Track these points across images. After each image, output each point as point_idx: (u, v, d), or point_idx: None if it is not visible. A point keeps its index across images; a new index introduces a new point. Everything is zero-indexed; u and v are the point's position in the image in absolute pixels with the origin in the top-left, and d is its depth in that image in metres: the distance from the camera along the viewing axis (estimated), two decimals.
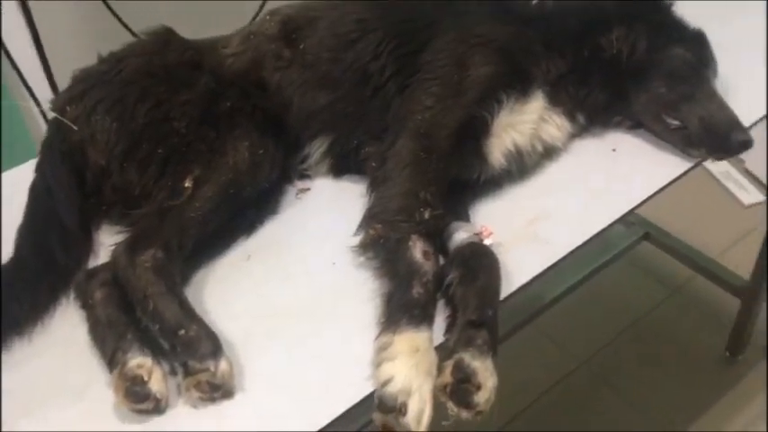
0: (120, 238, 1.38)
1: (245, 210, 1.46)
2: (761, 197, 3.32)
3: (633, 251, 2.87)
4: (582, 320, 2.88)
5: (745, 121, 1.55)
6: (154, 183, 1.42)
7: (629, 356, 2.78)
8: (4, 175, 1.61)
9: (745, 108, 1.57)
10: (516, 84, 1.49)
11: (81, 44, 2.49)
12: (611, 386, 2.68)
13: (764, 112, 1.63)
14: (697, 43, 1.59)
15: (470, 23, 1.56)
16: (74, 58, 1.63)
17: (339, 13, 1.63)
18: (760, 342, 2.73)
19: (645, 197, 1.48)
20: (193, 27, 1.85)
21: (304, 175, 1.61)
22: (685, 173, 1.53)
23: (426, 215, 1.34)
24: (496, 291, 1.28)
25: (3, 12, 2.07)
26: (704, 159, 1.55)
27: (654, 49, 1.55)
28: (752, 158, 3.36)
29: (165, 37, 1.63)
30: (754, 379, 2.66)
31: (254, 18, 2.25)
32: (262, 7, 2.27)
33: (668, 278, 3.00)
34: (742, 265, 2.66)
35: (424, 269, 1.28)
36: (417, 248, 1.30)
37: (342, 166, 1.59)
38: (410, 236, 1.31)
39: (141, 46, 1.60)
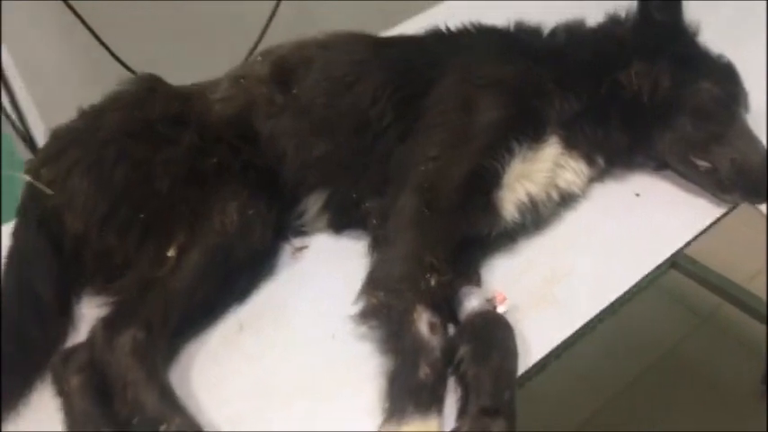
0: (101, 311, 1.28)
1: (236, 275, 1.34)
2: None
3: (660, 280, 2.71)
4: (608, 354, 2.73)
5: None
6: (135, 250, 1.31)
7: (659, 390, 2.62)
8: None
9: None
10: (528, 129, 1.35)
11: (76, 84, 2.42)
12: (640, 423, 2.52)
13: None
14: (726, 76, 1.45)
15: (475, 62, 1.43)
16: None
17: (334, 54, 1.51)
18: None
19: (673, 251, 1.35)
20: (189, 60, 1.76)
21: (301, 232, 1.48)
22: (717, 220, 1.39)
23: (432, 282, 1.21)
24: (513, 370, 1.15)
25: None
26: (737, 204, 1.40)
27: (679, 85, 1.41)
28: None
29: (150, 85, 1.52)
30: None
31: (249, 54, 2.15)
32: (258, 42, 2.16)
33: (697, 307, 2.84)
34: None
35: (431, 345, 1.15)
36: (423, 321, 1.17)
37: (342, 222, 1.46)
38: (415, 306, 1.18)
39: (123, 97, 1.48)
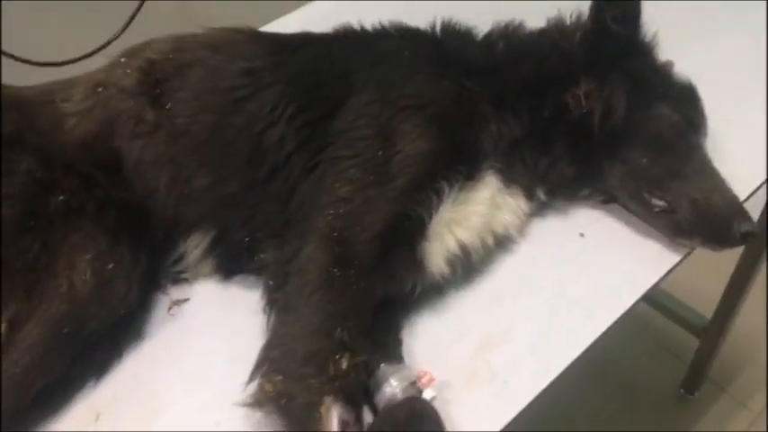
0: None
1: (90, 350, 1.05)
2: None
3: None
4: None
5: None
6: None
7: (580, 392, 2.52)
8: None
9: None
10: (460, 164, 1.11)
11: None
12: (561, 423, 2.41)
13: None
14: (686, 101, 1.24)
15: (397, 77, 1.17)
16: None
17: (222, 58, 1.21)
18: (717, 378, 2.53)
19: (623, 310, 1.15)
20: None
21: (179, 280, 1.20)
22: (674, 267, 1.20)
23: (344, 365, 0.97)
24: None
25: None
26: (694, 249, 1.22)
27: (634, 109, 1.19)
28: None
29: None
30: (712, 418, 2.47)
31: (120, 33, 1.78)
32: (132, 18, 1.78)
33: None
34: (698, 291, 2.40)
35: None
36: (333, 418, 0.94)
37: (231, 267, 1.20)
38: (322, 398, 0.95)
39: None
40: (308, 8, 1.76)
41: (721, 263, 2.51)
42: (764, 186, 1.33)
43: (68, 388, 1.06)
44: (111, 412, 1.04)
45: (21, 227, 1.03)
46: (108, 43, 1.76)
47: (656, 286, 1.19)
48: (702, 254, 1.26)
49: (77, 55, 1.74)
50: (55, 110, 1.19)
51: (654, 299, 2.49)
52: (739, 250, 2.11)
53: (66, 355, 1.02)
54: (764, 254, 2.01)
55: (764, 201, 1.80)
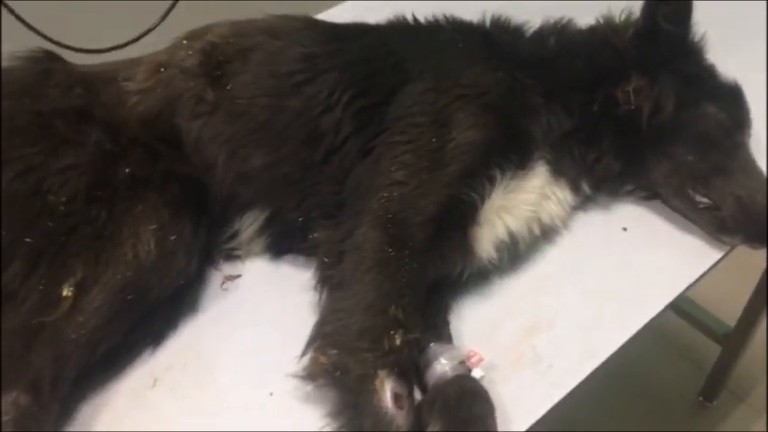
0: None
1: (150, 318, 1.09)
2: None
3: None
4: None
5: None
6: (20, 283, 1.04)
7: (598, 397, 2.52)
8: None
9: None
10: (513, 154, 1.14)
11: None
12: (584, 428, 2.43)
13: None
14: (733, 101, 1.27)
15: (452, 67, 1.20)
16: None
17: (281, 44, 1.25)
18: (735, 388, 2.52)
19: (667, 300, 1.18)
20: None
21: (232, 256, 1.23)
22: (716, 264, 1.23)
23: (398, 341, 0.99)
24: None
25: None
26: (735, 246, 1.24)
27: (682, 107, 1.22)
28: None
29: (46, 66, 1.22)
30: (729, 427, 2.46)
31: (162, 18, 1.81)
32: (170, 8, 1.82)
33: None
34: (721, 299, 2.41)
35: (397, 423, 0.94)
36: (386, 390, 0.96)
37: (282, 247, 1.23)
38: (377, 371, 0.97)
39: (10, 81, 1.18)
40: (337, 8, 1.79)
41: (745, 271, 2.54)
42: None
43: (128, 354, 1.09)
44: (167, 379, 1.08)
45: (89, 195, 1.07)
46: (148, 31, 1.79)
47: (697, 281, 1.21)
48: (727, 262, 1.27)
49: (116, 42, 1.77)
50: (118, 88, 1.23)
51: (676, 305, 2.50)
52: (764, 258, 2.13)
53: (129, 321, 1.05)
54: None
55: None
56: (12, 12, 1.56)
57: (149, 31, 1.79)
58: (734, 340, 2.33)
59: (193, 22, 1.35)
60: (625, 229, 1.28)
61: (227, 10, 1.37)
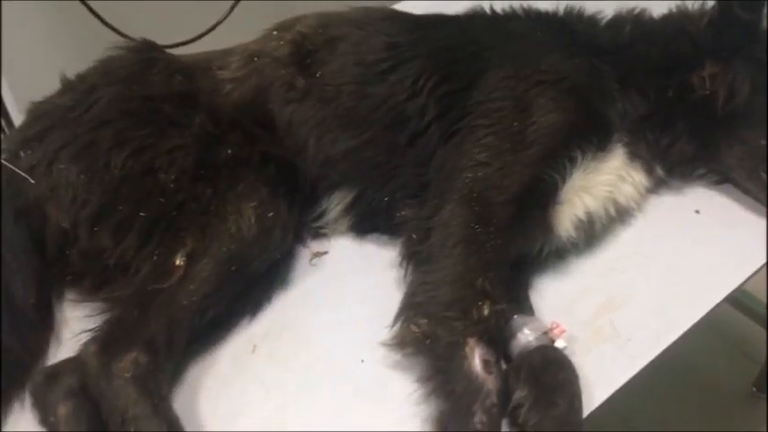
0: (90, 321, 1.10)
1: (251, 288, 1.17)
2: None
3: None
4: None
5: None
6: (134, 253, 1.13)
7: (651, 390, 2.54)
8: None
9: None
10: (593, 136, 1.19)
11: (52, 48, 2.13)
12: (631, 423, 2.45)
13: None
14: None
15: (531, 54, 1.26)
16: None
17: (365, 34, 1.32)
18: None
19: (741, 280, 1.21)
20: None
21: (319, 234, 1.31)
22: None
23: (485, 311, 1.05)
24: (579, 418, 1.01)
25: None
26: None
27: (756, 91, 1.26)
28: None
29: (147, 55, 1.31)
30: None
31: (226, 16, 1.89)
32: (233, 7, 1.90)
33: None
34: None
35: (487, 387, 1.00)
36: (476, 356, 1.02)
37: (367, 226, 1.30)
38: (466, 339, 1.03)
39: (117, 69, 1.27)
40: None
41: None
42: None
43: (229, 323, 1.17)
44: (265, 346, 1.16)
45: (195, 174, 1.15)
46: (216, 26, 1.87)
47: None
48: None
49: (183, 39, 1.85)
50: (213, 76, 1.32)
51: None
52: None
53: (233, 290, 1.13)
54: None
55: None
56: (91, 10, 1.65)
57: (216, 25, 1.88)
58: None
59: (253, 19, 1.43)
60: (698, 211, 1.32)
61: (283, 8, 1.44)
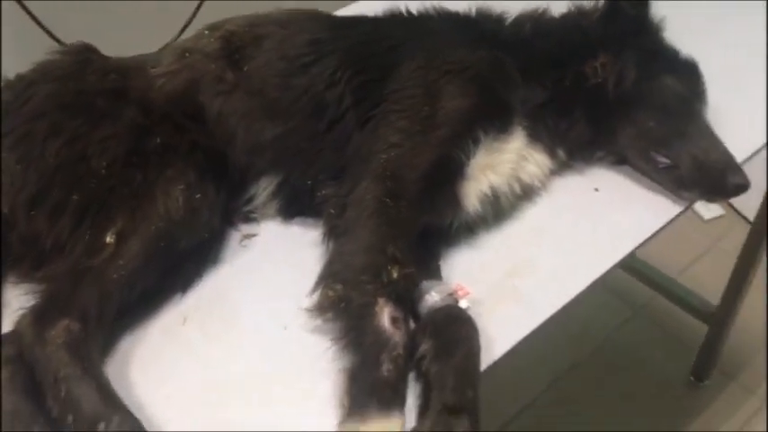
0: (28, 300, 1.16)
1: (180, 264, 1.25)
2: (720, 211, 3.25)
3: None
4: (541, 345, 2.74)
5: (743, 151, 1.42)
6: (68, 234, 1.20)
7: (591, 381, 2.66)
8: None
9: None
10: (494, 119, 1.31)
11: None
12: (572, 412, 2.55)
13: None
14: (689, 74, 1.44)
15: (440, 47, 1.38)
16: None
17: (289, 32, 1.42)
18: (726, 367, 2.65)
19: (631, 248, 1.33)
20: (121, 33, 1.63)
21: (249, 219, 1.40)
22: (675, 217, 1.39)
23: (395, 274, 1.15)
24: (476, 367, 1.11)
25: None
26: (694, 202, 1.41)
27: (643, 79, 1.39)
28: None
29: (84, 56, 1.40)
30: (721, 405, 2.58)
31: (185, 26, 2.01)
32: (195, 13, 2.02)
33: (631, 298, 2.89)
34: (704, 281, 2.58)
35: (394, 340, 1.10)
36: (385, 314, 1.12)
37: (293, 209, 1.39)
38: (377, 299, 1.13)
39: (54, 68, 1.36)
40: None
41: (727, 251, 2.68)
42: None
43: (160, 298, 1.24)
44: (196, 317, 1.23)
45: (126, 161, 1.23)
46: (183, 30, 1.97)
47: (660, 231, 1.36)
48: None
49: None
50: (146, 74, 1.40)
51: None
52: (742, 239, 2.28)
53: (161, 266, 1.21)
54: (764, 242, 2.16)
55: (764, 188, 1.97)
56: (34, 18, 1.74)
57: (184, 29, 1.98)
58: (719, 319, 2.47)
59: None
60: (597, 189, 1.44)
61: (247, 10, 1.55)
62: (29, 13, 1.99)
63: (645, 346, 2.78)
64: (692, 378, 2.66)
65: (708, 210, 3.26)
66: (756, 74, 1.67)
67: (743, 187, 1.33)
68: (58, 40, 1.94)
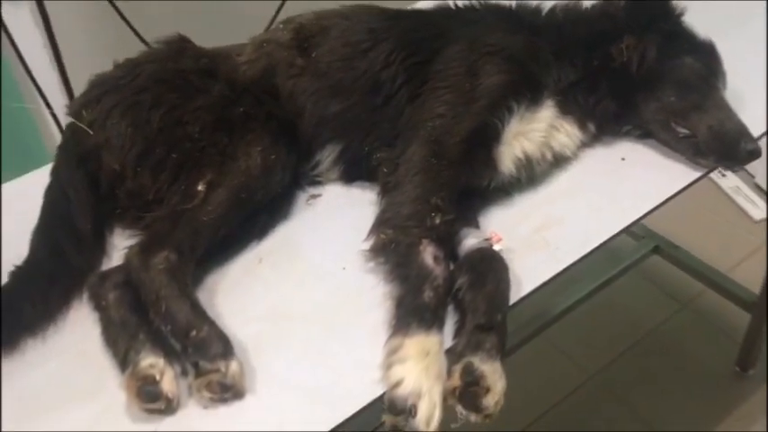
0: (133, 241, 1.40)
1: (257, 214, 1.47)
2: None
3: (643, 264, 2.86)
4: (591, 333, 2.87)
5: (754, 132, 1.56)
6: (167, 187, 1.44)
7: (638, 370, 2.76)
8: (12, 182, 1.65)
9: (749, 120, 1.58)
10: (527, 92, 1.50)
11: (95, 50, 2.53)
12: (619, 400, 2.66)
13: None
14: (707, 53, 1.60)
15: (480, 33, 1.58)
16: (88, 64, 1.65)
17: (350, 23, 1.65)
18: None
19: (653, 206, 1.48)
20: (208, 35, 1.88)
21: (315, 182, 1.62)
22: (694, 182, 1.54)
23: (437, 220, 1.35)
24: (505, 295, 1.29)
25: (19, 15, 2.09)
26: (713, 169, 1.56)
27: (664, 59, 1.56)
28: (761, 174, 3.37)
29: (180, 45, 1.65)
30: (765, 394, 2.63)
31: (269, 25, 2.28)
32: (278, 12, 2.29)
33: (678, 292, 2.99)
34: (752, 279, 2.65)
35: (435, 273, 1.29)
36: (428, 253, 1.31)
37: (352, 173, 1.60)
38: (421, 240, 1.32)
39: (156, 53, 1.62)
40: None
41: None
42: None
43: (239, 243, 1.46)
44: (269, 258, 1.44)
45: (215, 126, 1.47)
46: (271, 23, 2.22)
47: (680, 192, 1.51)
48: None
49: None
50: (232, 60, 1.65)
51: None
52: None
53: (242, 213, 1.43)
54: None
55: None
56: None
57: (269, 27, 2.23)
58: (761, 307, 2.54)
59: None
60: (623, 159, 1.60)
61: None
62: (122, 16, 2.29)
63: (691, 338, 2.86)
64: (737, 368, 2.72)
65: (758, 210, 3.32)
66: (756, 74, 1.80)
67: (756, 153, 1.48)
68: (146, 44, 2.24)
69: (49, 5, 2.23)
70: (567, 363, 2.80)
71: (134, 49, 1.67)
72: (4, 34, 2.17)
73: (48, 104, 2.25)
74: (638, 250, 2.80)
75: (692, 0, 1.64)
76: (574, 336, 2.81)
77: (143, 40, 2.29)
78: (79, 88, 1.64)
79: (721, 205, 3.40)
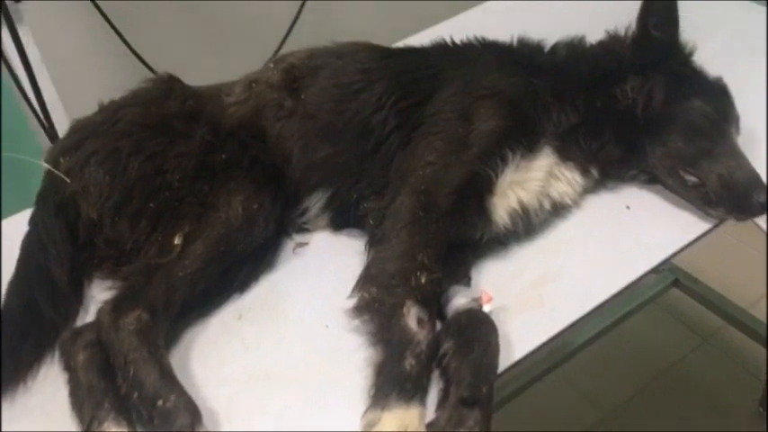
0: (111, 294, 1.35)
1: (237, 266, 1.41)
2: None
3: (663, 297, 2.75)
4: (607, 369, 2.77)
5: None
6: (145, 238, 1.38)
7: (658, 408, 2.65)
8: (9, 219, 1.61)
9: None
10: (522, 139, 1.41)
11: (98, 78, 2.52)
12: None
13: None
14: (718, 96, 1.50)
15: (476, 74, 1.50)
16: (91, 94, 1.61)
17: (343, 62, 1.58)
18: None
19: (658, 261, 1.39)
20: (211, 62, 1.84)
21: (302, 229, 1.55)
22: (703, 234, 1.44)
23: (422, 279, 1.27)
24: (493, 365, 1.20)
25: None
26: (724, 219, 1.45)
27: (671, 101, 1.46)
28: None
29: (168, 85, 1.60)
30: None
31: (271, 58, 2.22)
32: (280, 47, 2.24)
33: (699, 326, 2.87)
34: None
35: (418, 339, 1.21)
36: (411, 315, 1.23)
37: (341, 221, 1.53)
38: (405, 301, 1.24)
39: (141, 94, 1.57)
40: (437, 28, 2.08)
41: None
42: None
43: (219, 297, 1.40)
44: (249, 315, 1.38)
45: (195, 175, 1.41)
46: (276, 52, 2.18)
47: (686, 248, 1.41)
48: None
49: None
50: (220, 100, 1.59)
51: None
52: None
53: (221, 267, 1.37)
54: None
55: None
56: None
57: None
58: None
59: None
60: (628, 207, 1.51)
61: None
62: (127, 45, 2.26)
63: (712, 375, 2.75)
64: (760, 409, 2.60)
65: None
66: (756, 74, 1.71)
67: None
68: (152, 70, 2.21)
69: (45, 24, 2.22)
70: (582, 400, 2.69)
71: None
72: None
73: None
74: (658, 283, 2.69)
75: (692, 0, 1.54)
76: (589, 371, 2.71)
77: (150, 68, 2.26)
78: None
79: (746, 235, 3.26)
